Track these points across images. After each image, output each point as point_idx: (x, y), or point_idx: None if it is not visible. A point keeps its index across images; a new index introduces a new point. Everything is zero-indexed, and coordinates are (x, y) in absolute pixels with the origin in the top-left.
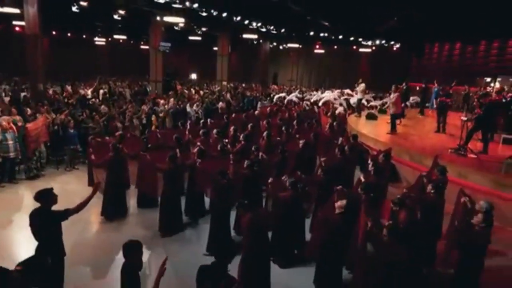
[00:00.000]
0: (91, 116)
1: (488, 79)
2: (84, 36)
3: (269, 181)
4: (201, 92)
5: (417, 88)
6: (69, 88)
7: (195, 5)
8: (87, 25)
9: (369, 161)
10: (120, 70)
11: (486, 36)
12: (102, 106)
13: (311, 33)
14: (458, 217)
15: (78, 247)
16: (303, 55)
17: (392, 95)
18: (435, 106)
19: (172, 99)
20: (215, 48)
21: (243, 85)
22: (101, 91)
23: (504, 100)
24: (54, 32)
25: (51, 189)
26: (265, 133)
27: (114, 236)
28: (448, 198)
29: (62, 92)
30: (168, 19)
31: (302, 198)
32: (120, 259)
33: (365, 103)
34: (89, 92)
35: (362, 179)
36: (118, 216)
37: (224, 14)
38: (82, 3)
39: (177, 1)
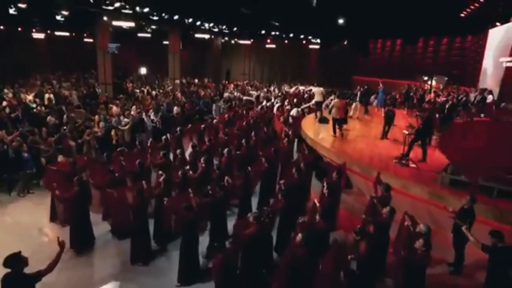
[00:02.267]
0: (40, 136)
1: (426, 77)
2: (19, 29)
3: (234, 223)
4: (154, 93)
5: (365, 86)
6: (9, 94)
7: (146, 9)
8: (24, 21)
9: (324, 187)
10: (63, 65)
11: (423, 34)
12: (49, 117)
13: (263, 32)
14: (402, 239)
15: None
16: (255, 49)
17: (335, 100)
18: (383, 113)
19: (134, 107)
20: (166, 42)
21: (196, 81)
22: (46, 96)
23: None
24: None
25: (19, 252)
26: (225, 150)
27: (87, 271)
28: (394, 205)
29: (1, 98)
30: (118, 23)
31: (267, 228)
32: None
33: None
34: (31, 97)
35: (317, 204)
36: (87, 248)
37: (176, 17)
38: (20, 5)
39: (127, 7)
